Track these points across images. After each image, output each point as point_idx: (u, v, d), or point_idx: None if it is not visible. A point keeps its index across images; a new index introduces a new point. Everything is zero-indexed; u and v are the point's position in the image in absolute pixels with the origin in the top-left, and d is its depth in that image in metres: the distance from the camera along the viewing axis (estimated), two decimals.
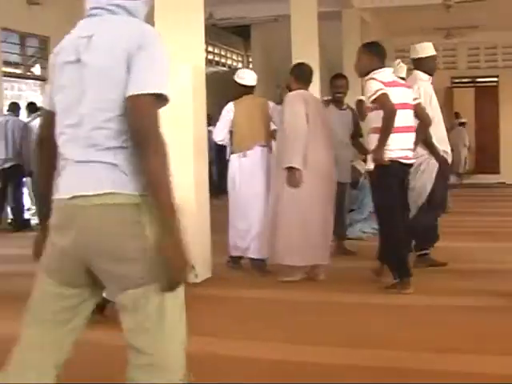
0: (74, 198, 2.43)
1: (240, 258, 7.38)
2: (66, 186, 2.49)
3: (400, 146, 6.13)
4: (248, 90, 7.41)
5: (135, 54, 2.42)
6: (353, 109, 8.47)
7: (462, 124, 18.82)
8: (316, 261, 6.72)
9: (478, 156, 19.85)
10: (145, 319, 2.45)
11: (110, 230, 2.39)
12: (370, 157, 6.24)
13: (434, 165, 6.97)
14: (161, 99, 2.52)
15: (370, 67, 6.18)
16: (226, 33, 19.31)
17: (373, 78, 6.10)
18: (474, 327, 5.02)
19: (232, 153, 7.37)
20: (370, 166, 6.18)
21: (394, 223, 6.14)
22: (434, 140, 6.94)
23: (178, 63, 6.62)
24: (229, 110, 7.30)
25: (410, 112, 6.35)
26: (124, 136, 2.43)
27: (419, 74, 7.12)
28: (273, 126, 7.36)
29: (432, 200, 7.02)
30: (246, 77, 7.47)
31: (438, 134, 6.99)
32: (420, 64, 7.20)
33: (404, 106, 6.21)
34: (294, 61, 10.49)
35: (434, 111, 6.96)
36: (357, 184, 9.39)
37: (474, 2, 14.10)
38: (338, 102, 8.25)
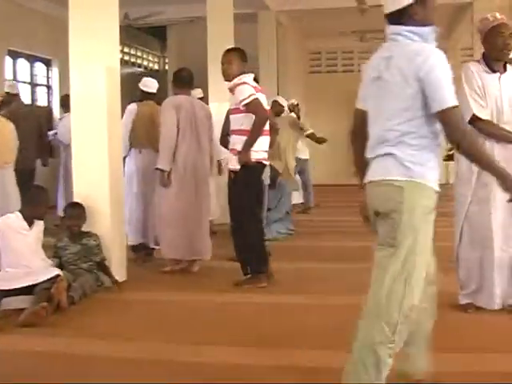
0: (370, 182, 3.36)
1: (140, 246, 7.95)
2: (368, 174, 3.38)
3: (263, 148, 6.50)
4: (151, 96, 8.13)
5: (425, 77, 3.14)
6: None
7: None
8: (194, 256, 7.26)
9: None
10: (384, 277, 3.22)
11: (386, 201, 3.24)
12: (235, 157, 6.39)
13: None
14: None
15: (238, 71, 6.37)
16: (142, 33, 19.17)
17: (245, 83, 6.33)
18: None
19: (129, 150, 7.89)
20: (237, 166, 6.37)
21: (256, 219, 6.54)
22: None
23: (92, 63, 6.56)
24: (132, 111, 7.87)
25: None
26: (406, 136, 3.18)
27: None
28: None
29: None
30: (150, 85, 8.19)
31: None
32: None
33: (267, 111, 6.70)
34: (210, 62, 10.51)
35: None
36: (275, 183, 9.43)
37: None
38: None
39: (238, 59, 6.42)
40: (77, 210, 6.45)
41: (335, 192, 16.80)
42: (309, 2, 15.21)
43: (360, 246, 8.65)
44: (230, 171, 6.53)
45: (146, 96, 8.11)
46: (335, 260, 7.82)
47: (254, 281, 6.43)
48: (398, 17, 3.34)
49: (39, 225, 6.06)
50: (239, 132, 6.37)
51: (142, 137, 7.71)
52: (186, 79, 7.41)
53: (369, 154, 3.39)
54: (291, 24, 17.36)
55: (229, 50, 6.62)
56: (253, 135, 6.29)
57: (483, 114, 4.98)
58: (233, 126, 6.50)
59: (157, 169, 7.11)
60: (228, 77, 6.45)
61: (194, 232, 7.18)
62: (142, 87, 8.17)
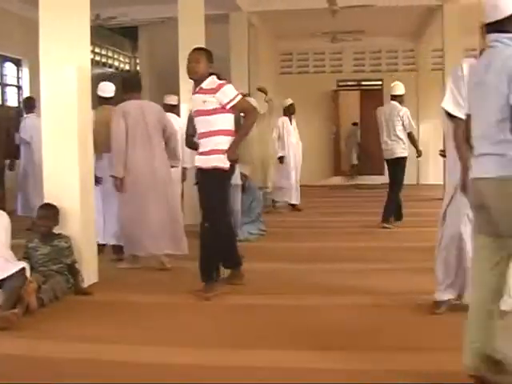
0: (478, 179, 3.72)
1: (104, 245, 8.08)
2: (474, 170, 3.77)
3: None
4: (107, 100, 8.22)
5: None
6: None
7: (355, 124, 20.75)
8: (157, 251, 7.48)
9: (363, 157, 20.37)
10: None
11: (500, 197, 3.57)
12: (217, 156, 6.18)
13: None
14: None
15: (206, 71, 6.24)
16: (113, 34, 19.09)
17: (229, 82, 6.34)
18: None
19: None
20: (221, 164, 6.20)
21: (225, 222, 6.49)
22: None
23: (62, 63, 6.53)
24: None
25: None
26: (507, 133, 3.53)
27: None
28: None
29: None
30: (106, 89, 8.31)
31: None
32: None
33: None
34: (181, 63, 10.48)
35: None
36: (244, 187, 9.44)
37: (358, 7, 14.39)
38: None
39: (205, 59, 6.26)
40: (48, 211, 6.41)
41: (307, 193, 16.79)
42: (280, 3, 15.27)
43: (331, 247, 8.79)
44: (202, 170, 6.32)
45: (103, 101, 8.21)
46: (307, 261, 7.85)
47: (208, 289, 6.21)
48: (499, 25, 3.66)
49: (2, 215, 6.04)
50: (220, 132, 6.20)
51: (102, 142, 7.58)
52: (133, 84, 7.55)
53: (475, 152, 3.78)
54: (263, 25, 17.37)
55: (197, 49, 6.49)
56: (245, 133, 6.41)
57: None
58: (213, 127, 6.21)
59: (111, 176, 7.37)
60: (195, 75, 6.26)
61: (155, 230, 7.36)
62: (98, 92, 8.25)
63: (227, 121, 6.25)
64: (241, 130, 6.37)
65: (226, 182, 6.44)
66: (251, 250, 8.02)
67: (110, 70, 19.89)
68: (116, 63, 20.67)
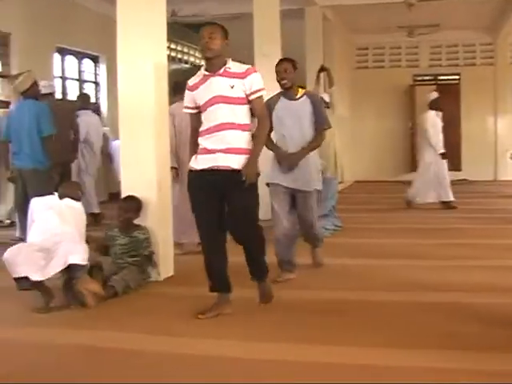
0: None
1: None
2: None
3: None
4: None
5: None
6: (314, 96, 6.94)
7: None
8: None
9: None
10: None
11: None
12: (228, 156, 5.22)
13: None
14: None
15: (224, 49, 5.28)
16: (188, 30, 19.21)
17: (257, 72, 5.36)
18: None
19: None
20: (234, 165, 5.25)
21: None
22: None
23: (139, 59, 6.61)
24: None
25: None
26: None
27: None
28: None
29: None
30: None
31: None
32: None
33: None
34: (256, 59, 10.52)
35: None
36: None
37: (435, 0, 14.21)
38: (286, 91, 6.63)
39: (220, 35, 5.24)
40: (130, 203, 6.52)
41: (381, 189, 16.70)
42: None
43: (403, 243, 8.70)
44: (226, 172, 5.22)
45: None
46: (381, 257, 7.79)
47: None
48: None
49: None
50: (248, 128, 5.32)
51: None
52: (182, 87, 6.97)
53: None
54: (338, 19, 17.29)
55: (210, 23, 5.39)
56: (262, 144, 5.46)
57: None
58: (239, 119, 5.24)
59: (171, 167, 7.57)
60: (209, 52, 5.18)
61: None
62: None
63: (249, 115, 5.36)
64: (257, 143, 5.32)
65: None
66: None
67: (186, 65, 20.03)
68: (192, 59, 20.81)
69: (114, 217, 6.96)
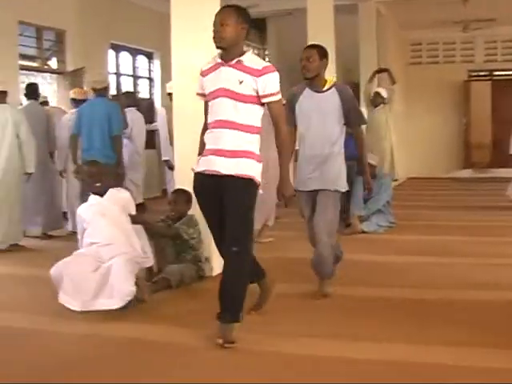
0: None
1: None
2: None
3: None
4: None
5: None
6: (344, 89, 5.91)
7: None
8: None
9: (495, 150, 19.73)
10: None
11: None
12: (247, 162, 4.65)
13: None
14: None
15: (240, 38, 4.77)
16: None
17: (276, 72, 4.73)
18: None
19: None
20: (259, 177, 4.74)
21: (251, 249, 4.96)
22: None
23: (193, 55, 6.62)
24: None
25: None
26: None
27: None
28: None
29: None
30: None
31: None
32: None
33: None
34: None
35: None
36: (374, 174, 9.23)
37: None
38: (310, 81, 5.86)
39: (234, 21, 4.67)
40: (180, 196, 6.52)
41: (433, 185, 16.53)
42: None
43: (461, 241, 8.60)
44: (226, 177, 4.62)
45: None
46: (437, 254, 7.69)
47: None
48: None
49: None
50: (255, 130, 4.70)
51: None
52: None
53: None
54: (391, 14, 17.15)
55: (226, 8, 4.78)
56: (287, 154, 4.99)
57: None
58: (244, 119, 4.64)
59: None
60: (221, 41, 4.66)
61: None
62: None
63: (259, 116, 4.75)
64: (280, 154, 4.82)
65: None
66: (376, 242, 7.95)
67: None
68: None
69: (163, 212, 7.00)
